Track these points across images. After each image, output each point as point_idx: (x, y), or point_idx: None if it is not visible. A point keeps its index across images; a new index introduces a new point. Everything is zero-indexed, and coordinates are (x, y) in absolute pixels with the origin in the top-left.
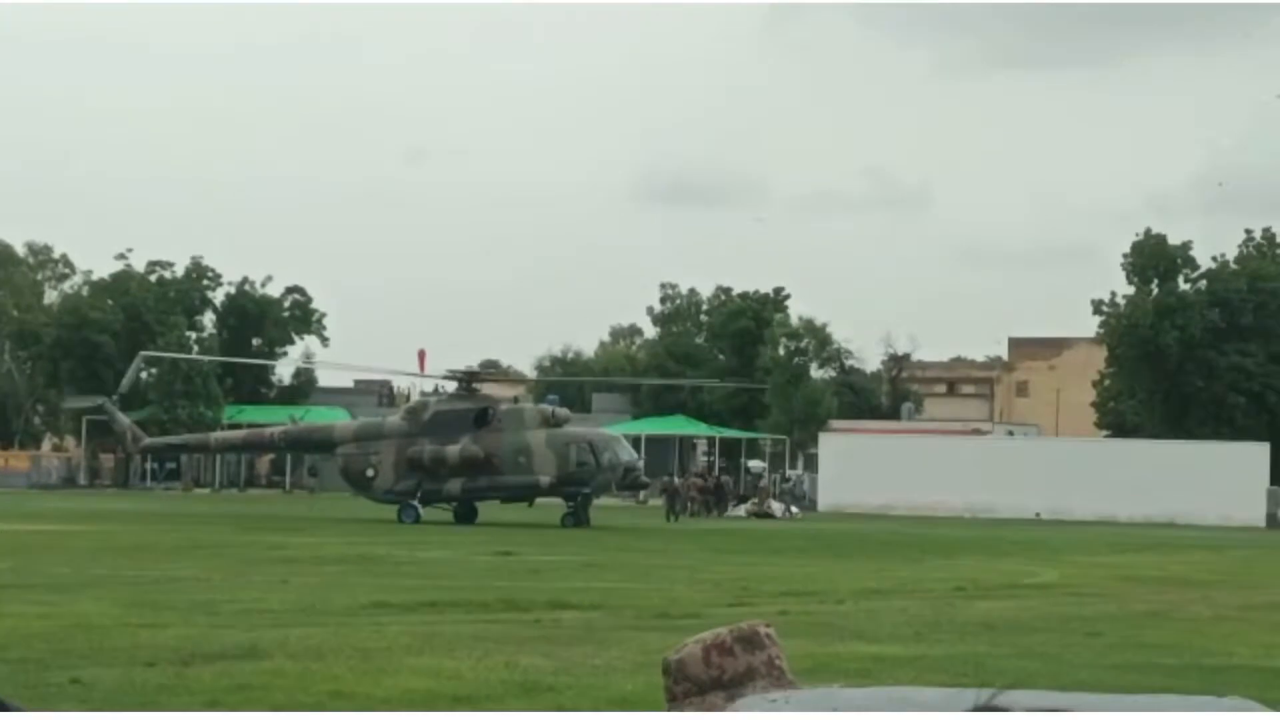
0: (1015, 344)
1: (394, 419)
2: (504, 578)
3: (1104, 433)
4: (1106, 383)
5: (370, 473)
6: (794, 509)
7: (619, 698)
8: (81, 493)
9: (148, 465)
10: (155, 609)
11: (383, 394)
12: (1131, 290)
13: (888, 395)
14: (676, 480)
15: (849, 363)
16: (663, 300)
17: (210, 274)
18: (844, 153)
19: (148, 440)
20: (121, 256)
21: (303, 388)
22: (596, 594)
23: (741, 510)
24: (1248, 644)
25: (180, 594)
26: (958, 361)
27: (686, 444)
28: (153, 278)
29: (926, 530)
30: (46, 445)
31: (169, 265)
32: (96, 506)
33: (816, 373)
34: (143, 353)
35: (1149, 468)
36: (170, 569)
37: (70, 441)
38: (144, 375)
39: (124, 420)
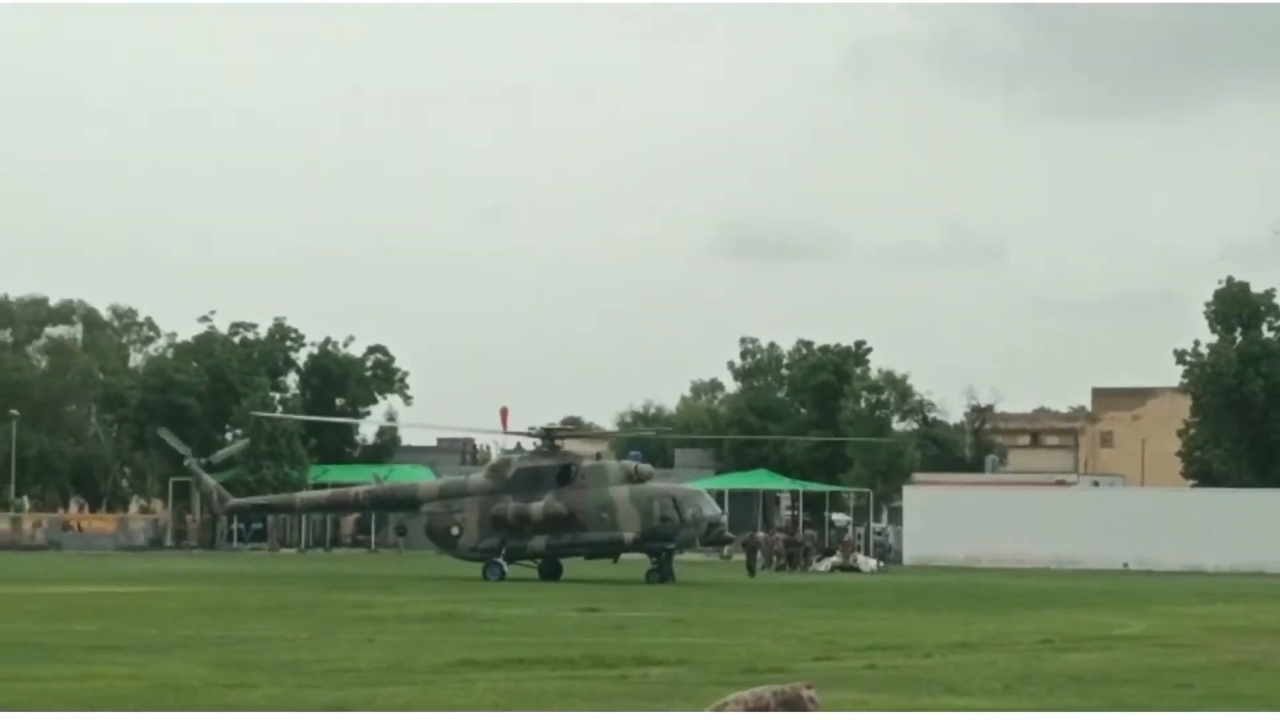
0: (1099, 394)
1: (478, 477)
2: (589, 634)
3: (1190, 482)
4: (1192, 432)
5: (455, 531)
6: (880, 562)
7: None
8: (168, 554)
9: (234, 526)
10: (243, 669)
11: (466, 452)
12: (1215, 339)
13: (971, 447)
14: (759, 535)
15: (931, 415)
16: (743, 355)
17: (293, 334)
18: (921, 203)
19: (234, 501)
20: (205, 319)
21: (386, 446)
22: (682, 649)
23: (824, 565)
24: None
25: (267, 654)
26: (1041, 413)
27: (770, 498)
28: (236, 339)
29: (1013, 582)
30: (133, 507)
31: (252, 326)
32: (183, 568)
33: (898, 425)
34: (164, 429)
35: (1236, 517)
36: (257, 629)
37: (157, 504)
38: (230, 436)
39: (210, 481)
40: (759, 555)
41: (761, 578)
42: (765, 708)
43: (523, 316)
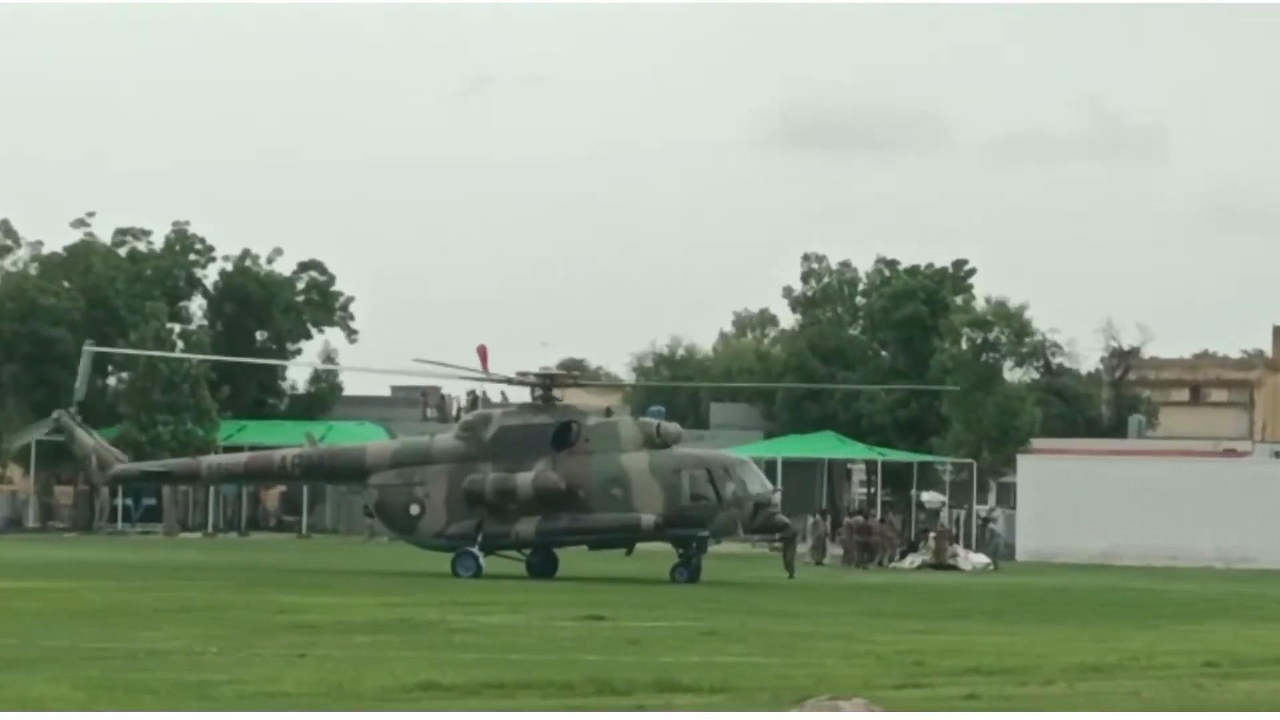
0: None
1: (445, 438)
2: (594, 650)
3: None
4: None
5: (414, 510)
6: (987, 559)
7: None
8: (31, 538)
9: (119, 501)
10: (130, 692)
11: (430, 405)
12: None
13: (1110, 405)
14: (817, 519)
15: (1057, 361)
16: (805, 278)
17: (199, 246)
18: (1049, 81)
19: (119, 468)
20: (81, 223)
21: (323, 397)
22: (718, 672)
23: (909, 561)
24: None
25: (164, 672)
26: (1204, 359)
27: (838, 470)
28: (122, 251)
29: (1164, 585)
30: None
31: (144, 234)
32: (51, 556)
33: (1012, 374)
34: (92, 348)
35: None
36: (150, 639)
37: (15, 471)
38: (114, 382)
39: (88, 440)
40: (811, 546)
41: (814, 576)
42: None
43: (509, 225)
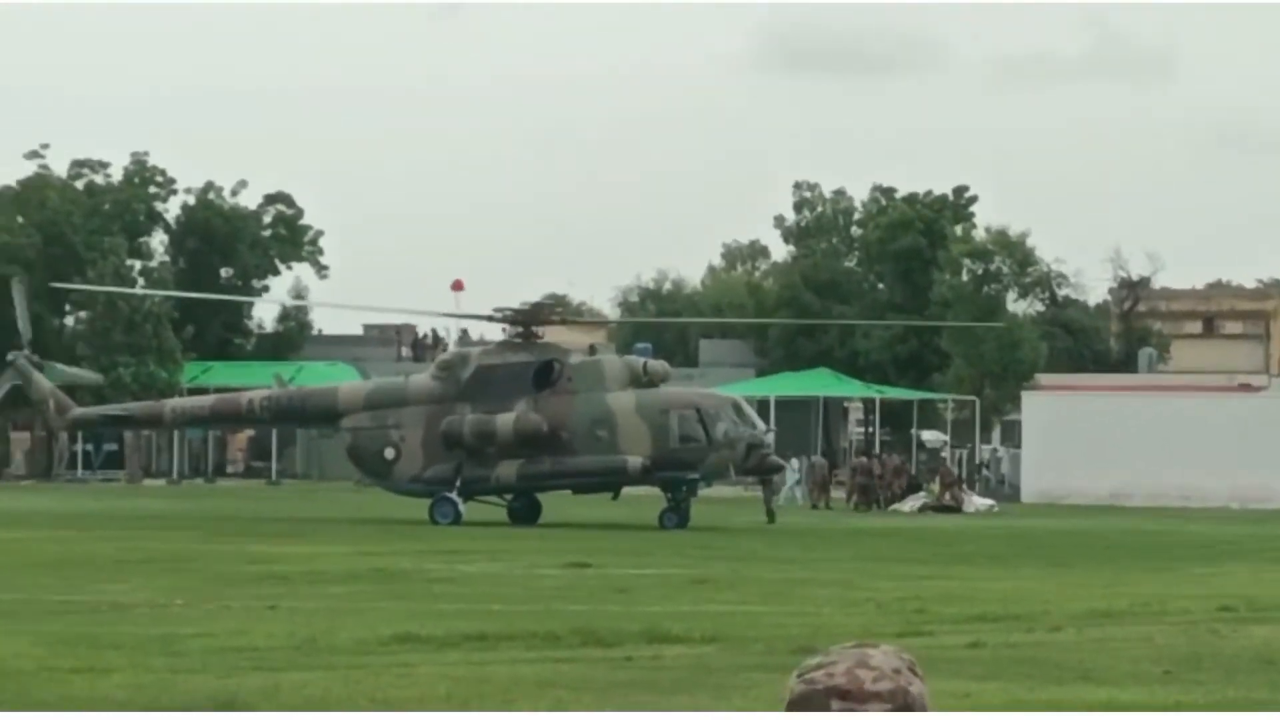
0: None
1: (421, 378)
2: (580, 599)
3: None
4: None
5: (389, 454)
6: (991, 501)
7: None
8: None
9: (78, 447)
10: (93, 647)
11: (405, 343)
12: None
13: (1118, 338)
14: (816, 459)
15: (1063, 292)
16: (798, 207)
17: (160, 179)
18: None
19: (77, 411)
20: (35, 155)
21: (292, 336)
22: (710, 621)
23: (909, 504)
24: None
25: (128, 626)
26: (1218, 289)
27: (834, 409)
28: (79, 184)
29: (1177, 527)
30: None
31: (103, 166)
32: (8, 505)
33: (1016, 306)
34: (21, 283)
35: None
36: (113, 591)
37: None
38: (72, 322)
39: (44, 384)
40: (811, 489)
41: (810, 520)
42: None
43: (486, 155)
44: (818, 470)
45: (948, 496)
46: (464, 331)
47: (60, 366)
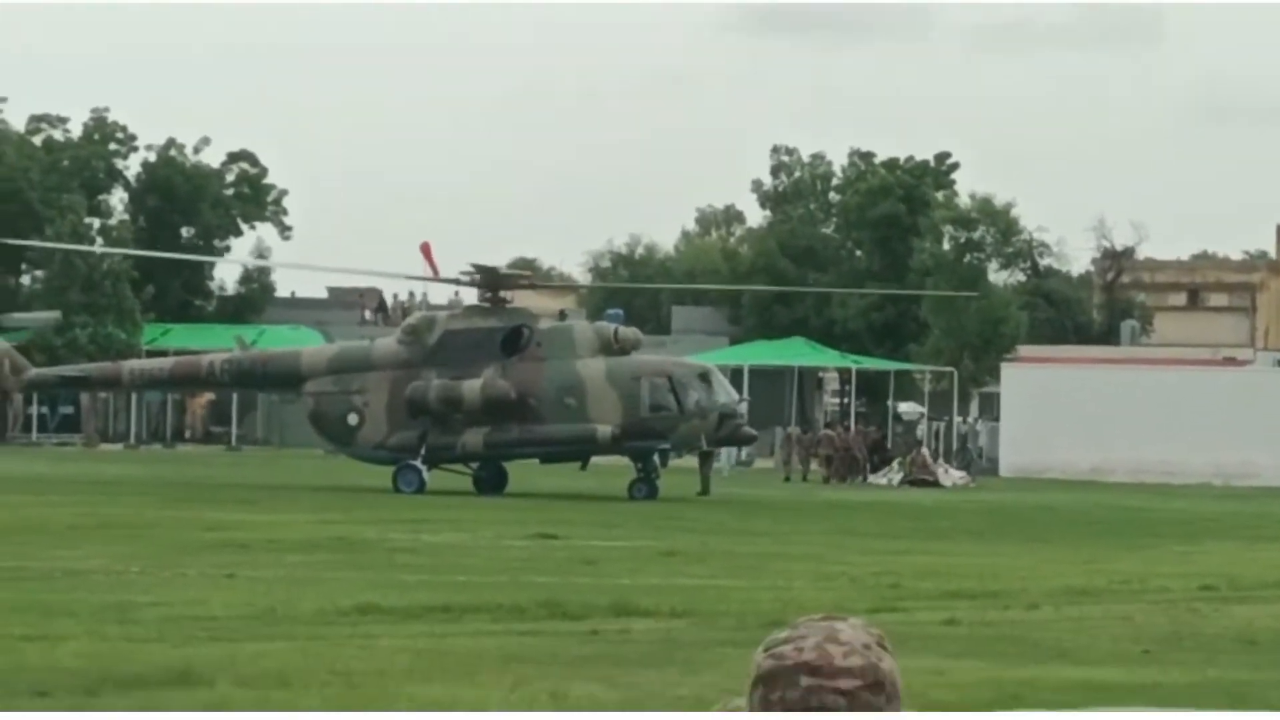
0: None
1: (386, 342)
2: (546, 571)
3: None
4: None
5: (353, 419)
6: (967, 474)
7: None
8: None
9: (33, 409)
10: (46, 615)
11: (370, 307)
12: None
13: (1101, 309)
14: (790, 430)
15: (1045, 262)
16: (774, 172)
17: (120, 135)
18: None
19: (33, 372)
20: None
21: (254, 298)
22: (680, 595)
23: (887, 477)
24: None
25: (82, 593)
26: (1203, 260)
27: (809, 378)
28: (37, 139)
29: (1159, 504)
30: None
31: (61, 122)
32: None
33: (997, 275)
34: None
35: None
36: (67, 558)
37: None
38: (28, 281)
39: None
40: (784, 460)
41: (783, 493)
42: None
43: (453, 114)
44: (793, 441)
45: (919, 469)
46: (456, 294)
47: (16, 315)
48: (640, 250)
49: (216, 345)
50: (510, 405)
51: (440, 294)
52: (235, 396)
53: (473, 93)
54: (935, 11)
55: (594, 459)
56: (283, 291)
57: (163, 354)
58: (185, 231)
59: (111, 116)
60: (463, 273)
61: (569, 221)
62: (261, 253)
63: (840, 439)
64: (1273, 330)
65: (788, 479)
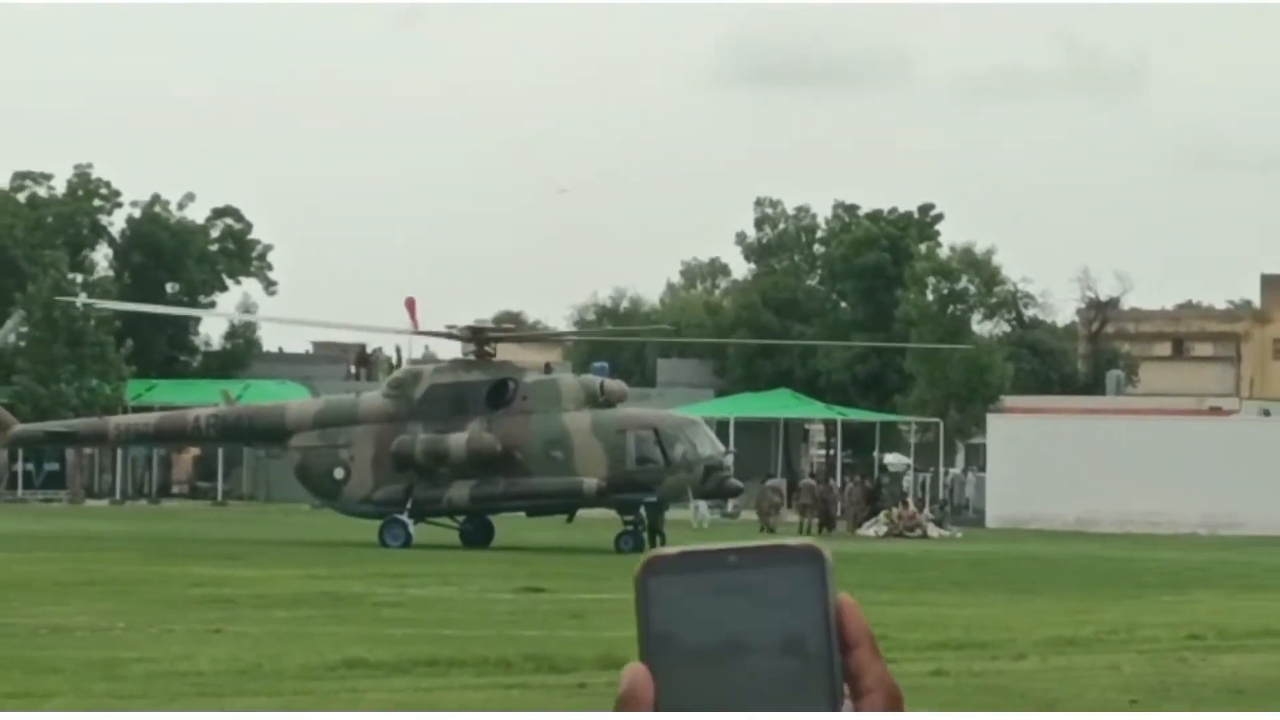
0: (1270, 284)
1: (372, 395)
2: (534, 625)
3: None
4: None
5: (339, 474)
6: (954, 527)
7: None
8: None
9: (19, 466)
10: (31, 671)
11: (355, 361)
12: None
13: (1086, 359)
14: (768, 484)
15: (1029, 312)
16: (759, 224)
17: (104, 191)
18: (1021, 14)
19: (19, 428)
20: None
21: (239, 353)
22: None
23: (872, 528)
24: None
25: (68, 650)
26: (1187, 310)
27: (794, 431)
28: (21, 196)
29: (1145, 553)
30: None
31: (45, 179)
32: None
33: (981, 326)
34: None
35: None
36: (53, 614)
37: None
38: (12, 338)
39: None
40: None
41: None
42: None
43: (439, 168)
44: (767, 494)
45: (906, 521)
46: (426, 347)
47: None
48: (625, 303)
49: (202, 400)
50: (496, 458)
51: (420, 349)
52: (221, 451)
53: (458, 147)
54: (918, 62)
55: (581, 512)
56: (268, 346)
57: (148, 409)
58: (170, 287)
59: (95, 173)
60: (448, 326)
61: (554, 274)
62: (247, 308)
63: (819, 490)
64: (1258, 380)
65: (762, 530)
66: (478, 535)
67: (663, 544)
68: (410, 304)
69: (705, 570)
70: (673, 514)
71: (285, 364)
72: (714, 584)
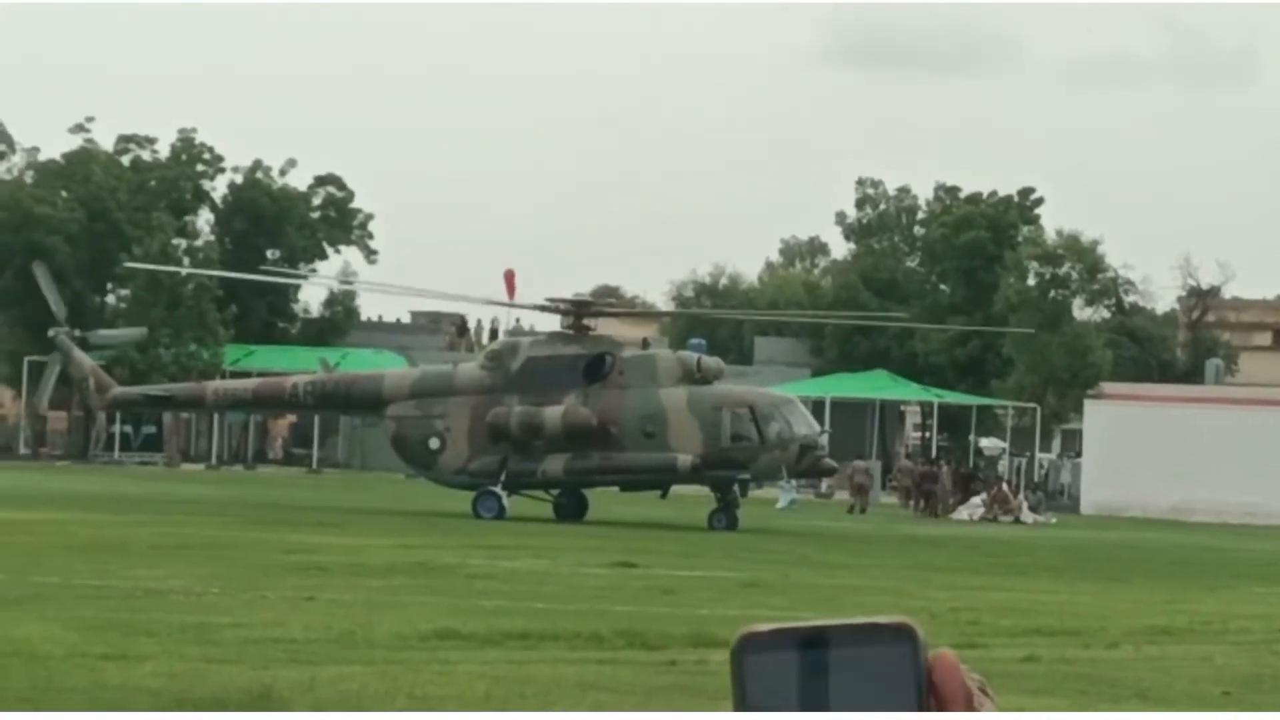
0: None
1: (469, 367)
2: (625, 600)
3: None
4: None
5: (434, 444)
6: (1049, 513)
7: None
8: (22, 465)
9: (117, 428)
10: (126, 634)
11: (453, 332)
12: None
13: (1186, 348)
14: (856, 464)
15: (1130, 300)
16: (859, 204)
17: (207, 156)
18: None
19: (117, 390)
20: (81, 129)
21: (338, 321)
22: None
23: (967, 511)
24: None
25: (161, 613)
26: None
27: (890, 412)
28: (125, 159)
29: (1241, 544)
30: None
31: (149, 142)
32: (44, 486)
33: (1082, 312)
34: (41, 267)
35: None
36: (148, 577)
37: (5, 393)
38: (113, 300)
39: (86, 362)
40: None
41: (874, 523)
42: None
43: (541, 143)
44: (856, 474)
45: (1005, 506)
46: (517, 320)
47: (102, 331)
48: (724, 280)
49: (300, 367)
50: (591, 432)
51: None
52: (317, 419)
53: (560, 120)
54: (1022, 46)
55: (674, 488)
56: (367, 315)
57: (246, 375)
58: (270, 254)
59: (199, 138)
60: (548, 299)
61: (653, 250)
62: (347, 276)
63: (918, 471)
64: None
65: (850, 511)
66: (571, 509)
67: (735, 516)
68: (509, 276)
69: (799, 648)
70: (766, 492)
71: (383, 333)
72: (808, 662)
